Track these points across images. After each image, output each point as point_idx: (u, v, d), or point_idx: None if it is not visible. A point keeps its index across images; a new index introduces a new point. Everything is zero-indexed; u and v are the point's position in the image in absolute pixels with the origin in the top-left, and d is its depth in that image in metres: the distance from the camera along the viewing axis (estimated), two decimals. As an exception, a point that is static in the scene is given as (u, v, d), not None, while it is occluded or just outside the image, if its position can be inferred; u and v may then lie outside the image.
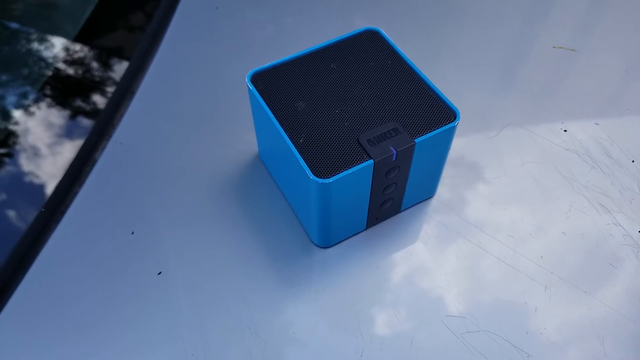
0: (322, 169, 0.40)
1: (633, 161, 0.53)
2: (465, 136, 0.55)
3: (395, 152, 0.40)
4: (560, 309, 0.44)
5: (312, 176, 0.39)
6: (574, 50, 0.63)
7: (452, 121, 0.42)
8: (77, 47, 0.67)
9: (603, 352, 0.42)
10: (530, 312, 0.44)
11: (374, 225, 0.49)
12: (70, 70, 0.65)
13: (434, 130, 0.42)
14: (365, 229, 0.49)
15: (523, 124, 0.56)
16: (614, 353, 0.42)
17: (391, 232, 0.49)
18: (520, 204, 0.50)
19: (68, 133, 0.59)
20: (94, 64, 0.66)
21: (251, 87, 0.45)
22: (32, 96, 0.61)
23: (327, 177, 0.39)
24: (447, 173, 0.52)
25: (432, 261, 0.47)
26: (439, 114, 0.43)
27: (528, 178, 0.52)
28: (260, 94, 0.45)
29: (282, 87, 0.45)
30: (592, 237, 0.48)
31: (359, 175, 0.40)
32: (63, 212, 0.51)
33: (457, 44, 0.64)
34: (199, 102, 0.59)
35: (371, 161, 0.40)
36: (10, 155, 0.56)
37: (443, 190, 0.51)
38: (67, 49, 0.66)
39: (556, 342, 0.43)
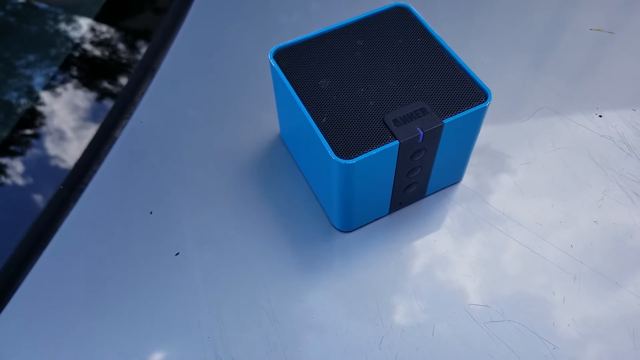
0: (344, 149, 0.39)
1: (671, 149, 0.50)
2: (495, 120, 0.53)
3: (422, 133, 0.39)
4: (589, 301, 0.42)
5: (334, 156, 0.38)
6: (612, 32, 0.60)
7: (484, 102, 0.40)
8: (99, 26, 0.66)
9: (633, 346, 0.40)
10: (558, 302, 0.42)
11: (397, 210, 0.47)
12: (92, 50, 0.64)
13: (463, 110, 0.40)
14: (388, 214, 0.47)
15: (556, 108, 0.54)
16: (647, 348, 0.40)
17: (415, 218, 0.47)
18: (551, 191, 0.48)
19: (89, 111, 0.58)
20: (116, 43, 0.65)
21: (274, 63, 0.44)
22: (53, 75, 0.61)
23: (349, 158, 0.38)
24: (475, 158, 0.50)
25: (456, 249, 0.45)
26: (470, 94, 0.41)
27: (559, 164, 0.50)
28: (282, 71, 0.43)
29: (305, 65, 0.44)
30: (625, 227, 0.46)
31: (383, 156, 0.39)
32: (81, 190, 0.50)
33: (490, 24, 0.62)
34: (220, 82, 0.58)
35: (396, 142, 0.39)
36: (30, 134, 0.56)
37: (470, 175, 0.49)
38: (89, 29, 0.66)
39: (584, 335, 0.41)
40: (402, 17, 0.46)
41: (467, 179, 0.49)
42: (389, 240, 0.46)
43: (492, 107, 0.53)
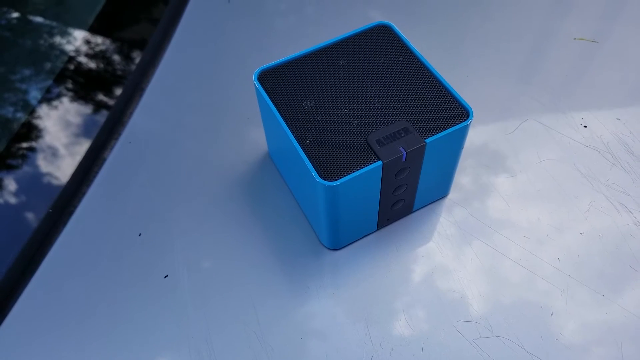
0: (328, 170, 0.39)
1: (656, 158, 0.50)
2: (482, 133, 0.53)
3: (405, 152, 0.39)
4: (578, 314, 0.42)
5: (318, 178, 0.38)
6: (595, 42, 0.61)
7: (465, 120, 0.41)
8: (87, 44, 0.67)
9: (621, 358, 0.41)
10: (546, 316, 0.42)
11: (385, 226, 0.48)
12: (80, 68, 0.64)
13: (445, 129, 0.40)
14: (377, 230, 0.47)
15: (542, 120, 0.54)
16: (634, 360, 0.40)
17: (403, 234, 0.47)
18: (537, 203, 0.48)
19: (77, 131, 0.58)
20: (104, 61, 0.65)
21: (258, 85, 0.44)
22: (40, 94, 0.61)
23: (333, 180, 0.38)
24: (461, 171, 0.50)
25: (445, 264, 0.45)
26: (451, 113, 0.41)
27: (546, 176, 0.50)
28: (267, 92, 0.44)
29: (289, 86, 0.44)
30: (611, 238, 0.46)
31: (367, 177, 0.39)
32: (71, 213, 0.50)
33: (475, 36, 0.62)
34: (210, 100, 0.58)
35: (380, 162, 0.39)
36: (18, 155, 0.56)
37: (457, 189, 0.49)
38: (77, 46, 0.66)
39: (572, 348, 0.41)
40: (385, 35, 0.46)
41: (454, 193, 0.49)
42: (377, 257, 0.46)
43: (478, 119, 0.53)
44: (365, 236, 0.47)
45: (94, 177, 0.53)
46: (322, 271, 0.46)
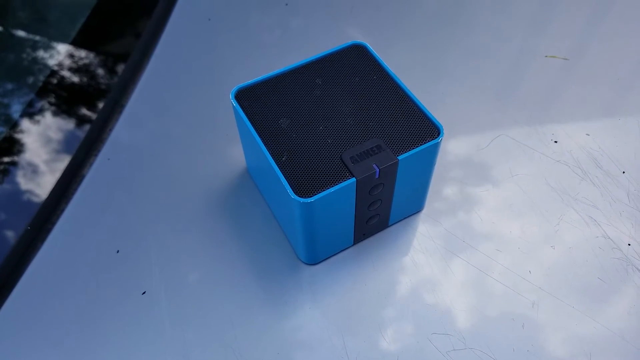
0: (303, 188, 0.40)
1: (624, 172, 0.52)
2: (455, 149, 0.54)
3: (378, 169, 0.40)
4: (548, 325, 0.44)
5: (293, 195, 0.39)
6: (567, 59, 0.63)
7: (436, 137, 0.42)
8: (70, 58, 0.67)
9: (592, 369, 0.42)
10: (518, 328, 0.44)
11: (362, 241, 0.48)
12: (62, 83, 0.65)
13: (417, 147, 0.41)
14: (353, 245, 0.48)
15: (514, 135, 0.55)
16: (603, 370, 0.42)
17: (379, 248, 0.48)
18: (509, 218, 0.50)
19: (57, 147, 0.58)
20: (86, 76, 0.66)
21: (235, 103, 0.45)
22: (19, 110, 0.61)
23: (308, 197, 0.39)
24: (435, 186, 0.51)
25: (420, 277, 0.46)
26: (423, 130, 0.42)
27: (517, 191, 0.51)
28: (244, 110, 0.44)
29: (266, 104, 0.45)
30: (581, 251, 0.47)
31: (341, 193, 0.40)
32: (49, 231, 0.50)
33: (448, 54, 0.64)
34: (189, 116, 0.59)
35: (353, 179, 0.40)
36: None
37: (431, 204, 0.50)
38: (59, 61, 0.66)
39: (542, 359, 0.42)
40: (359, 55, 0.47)
41: (429, 208, 0.50)
42: (354, 272, 0.47)
43: (452, 135, 0.55)
44: (342, 251, 0.48)
45: (73, 194, 0.53)
46: (299, 286, 0.47)
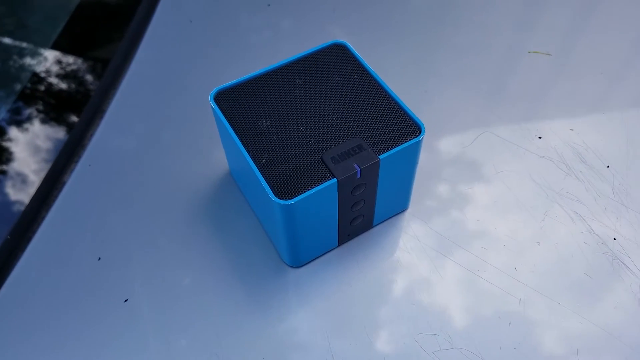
0: (284, 189, 0.39)
1: (608, 166, 0.52)
2: (439, 146, 0.54)
3: (359, 169, 0.40)
4: (534, 323, 0.43)
5: (273, 197, 0.39)
6: (549, 54, 0.62)
7: (417, 136, 0.41)
8: (47, 66, 0.66)
9: (580, 365, 0.41)
10: (504, 326, 0.43)
11: (347, 242, 0.48)
12: (39, 90, 0.64)
13: (398, 145, 0.41)
14: (338, 246, 0.48)
15: (498, 132, 0.55)
16: (590, 366, 0.41)
17: (364, 249, 0.48)
18: (494, 214, 0.49)
19: (37, 154, 0.58)
20: (63, 84, 0.65)
21: (214, 106, 0.44)
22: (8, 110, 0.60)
23: (289, 198, 0.39)
24: (420, 185, 0.51)
25: (405, 276, 0.46)
26: (404, 129, 0.42)
27: (502, 188, 0.51)
28: (223, 113, 0.44)
29: (246, 105, 0.44)
30: (566, 246, 0.47)
31: (323, 194, 0.40)
32: (29, 239, 0.50)
33: (431, 52, 0.63)
34: (171, 120, 0.58)
35: (334, 180, 0.39)
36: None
37: (415, 202, 0.50)
38: (37, 68, 0.66)
39: (530, 357, 0.42)
40: (340, 54, 0.47)
41: (413, 207, 0.50)
42: (339, 273, 0.47)
43: (435, 133, 0.54)
44: (326, 252, 0.48)
45: (54, 201, 0.52)
46: (285, 289, 0.46)
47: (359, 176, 0.40)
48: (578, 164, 0.52)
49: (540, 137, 0.54)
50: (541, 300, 0.44)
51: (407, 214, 0.50)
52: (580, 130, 0.55)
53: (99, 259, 0.48)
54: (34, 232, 0.50)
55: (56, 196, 0.53)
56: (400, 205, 0.49)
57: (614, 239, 0.47)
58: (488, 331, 0.43)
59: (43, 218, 0.51)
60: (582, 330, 0.43)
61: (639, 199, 0.49)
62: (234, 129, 0.43)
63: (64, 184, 0.54)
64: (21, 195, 0.54)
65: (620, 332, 0.43)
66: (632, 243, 0.47)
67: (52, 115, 0.61)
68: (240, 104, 0.44)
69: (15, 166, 0.56)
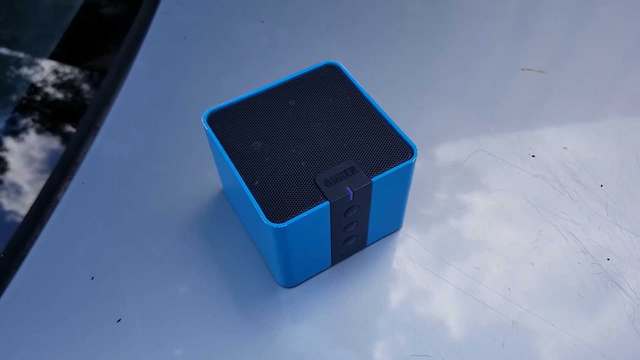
0: (276, 212, 0.39)
1: (601, 185, 0.52)
2: (432, 165, 0.54)
3: (351, 192, 0.40)
4: (528, 344, 0.43)
5: (266, 221, 0.39)
6: (543, 72, 0.63)
7: (410, 158, 0.41)
8: (42, 81, 0.66)
9: (573, 387, 0.41)
10: (498, 348, 0.43)
11: (340, 261, 0.48)
12: (33, 105, 0.64)
13: (390, 168, 0.41)
14: (331, 266, 0.48)
15: (491, 150, 0.55)
16: (583, 389, 0.41)
17: (357, 269, 0.48)
18: (488, 234, 0.49)
19: (30, 172, 0.58)
20: (58, 99, 0.65)
21: (207, 127, 0.44)
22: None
23: (281, 222, 0.39)
24: (413, 204, 0.51)
25: (398, 296, 0.46)
26: (397, 151, 0.42)
27: (496, 207, 0.51)
28: (216, 134, 0.44)
29: (238, 127, 0.44)
30: (560, 266, 0.47)
31: (315, 217, 0.40)
32: (23, 258, 0.49)
33: (424, 68, 0.64)
34: (164, 139, 0.58)
35: (327, 202, 0.39)
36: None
37: (409, 222, 0.50)
38: (31, 82, 0.66)
39: (524, 379, 0.42)
40: (333, 75, 0.47)
41: (407, 226, 0.50)
42: (332, 293, 0.47)
43: (428, 152, 0.54)
44: (320, 272, 0.47)
45: (47, 219, 0.52)
46: (278, 309, 0.46)
47: (351, 198, 0.40)
48: (572, 183, 0.52)
49: (533, 156, 0.55)
50: (535, 321, 0.44)
51: (401, 233, 0.50)
52: (574, 149, 0.55)
53: (92, 278, 0.47)
54: (27, 251, 0.50)
55: (50, 214, 0.53)
56: (393, 225, 0.49)
57: (608, 259, 0.47)
58: (481, 352, 0.43)
59: (36, 237, 0.51)
60: (576, 352, 0.43)
61: (632, 218, 0.49)
62: (226, 151, 0.43)
63: (57, 202, 0.54)
64: (14, 214, 0.54)
65: (614, 353, 0.43)
66: (625, 263, 0.47)
67: (45, 133, 0.61)
68: (233, 125, 0.44)
69: (6, 185, 0.56)
